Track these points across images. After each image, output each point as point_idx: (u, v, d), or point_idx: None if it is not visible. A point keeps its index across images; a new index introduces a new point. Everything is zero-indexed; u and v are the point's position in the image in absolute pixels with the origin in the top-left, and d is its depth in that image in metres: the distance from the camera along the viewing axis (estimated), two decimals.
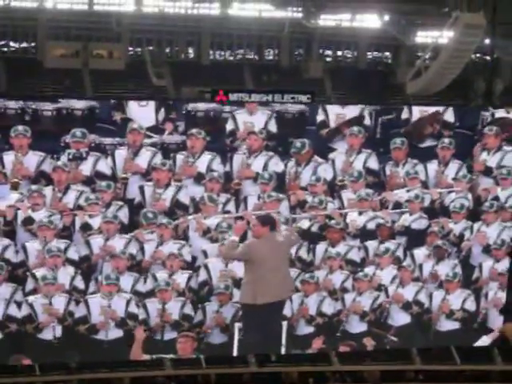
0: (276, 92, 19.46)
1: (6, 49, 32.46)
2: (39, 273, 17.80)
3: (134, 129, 18.17)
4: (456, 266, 19.56)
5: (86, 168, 17.99)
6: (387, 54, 35.56)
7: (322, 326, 19.17)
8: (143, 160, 18.25)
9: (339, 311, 19.22)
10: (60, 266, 17.86)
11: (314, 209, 18.84)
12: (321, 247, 19.01)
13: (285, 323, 18.82)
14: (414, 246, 19.42)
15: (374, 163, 19.20)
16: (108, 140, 18.14)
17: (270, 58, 34.61)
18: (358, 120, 19.19)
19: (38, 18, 31.55)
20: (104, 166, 18.08)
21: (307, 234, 18.92)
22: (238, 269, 18.46)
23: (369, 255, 19.25)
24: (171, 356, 18.65)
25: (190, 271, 18.48)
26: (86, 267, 18.10)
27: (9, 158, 17.65)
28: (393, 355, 19.90)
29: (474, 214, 19.59)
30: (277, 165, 18.77)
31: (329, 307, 19.15)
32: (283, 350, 18.98)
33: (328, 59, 35.02)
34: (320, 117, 19.12)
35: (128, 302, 18.19)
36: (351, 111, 19.25)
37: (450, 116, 19.56)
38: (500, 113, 19.88)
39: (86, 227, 17.96)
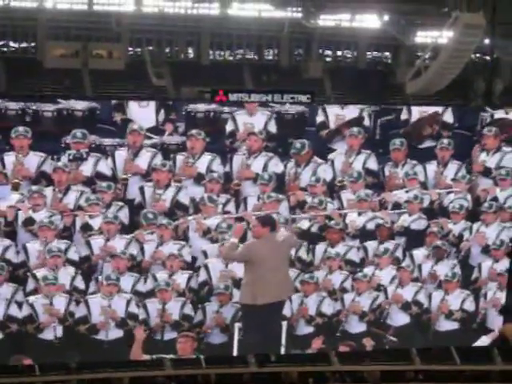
0: (276, 92, 19.45)
1: (5, 49, 32.58)
2: (40, 273, 17.81)
3: (134, 130, 18.19)
4: (455, 267, 19.57)
5: (86, 169, 18.00)
6: (387, 53, 35.68)
7: (322, 326, 19.19)
8: (143, 161, 18.27)
9: (339, 311, 19.25)
10: (60, 267, 17.87)
11: (314, 209, 18.86)
12: (320, 247, 19.02)
13: (284, 323, 18.83)
14: (413, 246, 19.43)
15: (373, 164, 19.22)
16: (108, 141, 18.15)
17: (270, 57, 34.73)
18: (357, 121, 19.21)
19: (37, 18, 31.68)
20: (104, 167, 18.11)
21: (307, 234, 18.94)
22: (238, 269, 18.47)
23: (368, 255, 19.27)
24: (171, 356, 18.68)
25: (190, 271, 18.50)
26: (87, 267, 18.11)
27: (9, 158, 17.66)
28: (392, 355, 19.92)
29: (473, 215, 19.60)
30: (276, 165, 18.79)
31: (328, 307, 19.17)
32: (283, 350, 18.99)
33: (328, 59, 35.15)
34: (320, 118, 19.14)
35: (128, 302, 18.21)
36: (351, 112, 19.26)
37: (449, 117, 19.58)
38: (499, 114, 19.88)
39: (86, 228, 17.99)
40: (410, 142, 19.38)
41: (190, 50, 34.32)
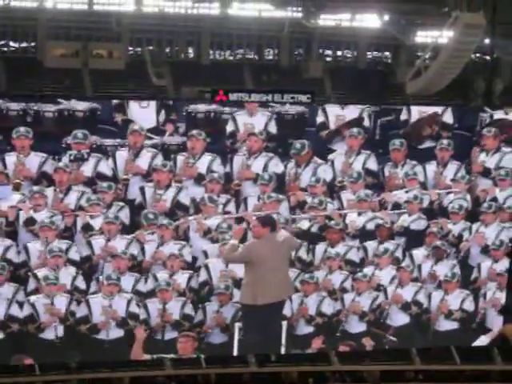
0: (276, 92, 19.48)
1: (5, 48, 32.57)
2: (41, 273, 17.85)
3: (134, 130, 18.24)
4: (455, 267, 19.60)
5: (87, 169, 18.05)
6: (387, 53, 35.68)
7: (322, 325, 19.23)
8: (144, 161, 18.31)
9: (339, 311, 19.28)
10: (61, 267, 17.91)
11: (314, 209, 18.90)
12: (320, 247, 19.06)
13: (285, 323, 18.86)
14: (412, 246, 19.47)
15: (373, 164, 19.25)
16: (109, 141, 18.19)
17: (270, 57, 34.73)
18: (357, 121, 19.24)
19: (37, 18, 31.68)
20: (105, 167, 18.15)
21: (307, 234, 18.98)
22: (239, 269, 18.50)
23: (368, 256, 19.31)
24: (172, 356, 18.72)
25: (191, 271, 18.54)
26: (88, 267, 18.16)
27: (11, 159, 17.71)
28: (392, 355, 19.96)
29: (473, 215, 19.63)
30: (277, 166, 18.83)
31: (328, 307, 19.21)
32: (283, 350, 19.02)
33: (328, 59, 35.15)
34: (320, 118, 19.17)
35: (129, 302, 18.25)
36: (351, 112, 19.30)
37: (448, 117, 19.62)
38: (498, 114, 19.91)
39: (87, 228, 18.03)
40: (410, 142, 19.42)
41: (190, 50, 34.32)
